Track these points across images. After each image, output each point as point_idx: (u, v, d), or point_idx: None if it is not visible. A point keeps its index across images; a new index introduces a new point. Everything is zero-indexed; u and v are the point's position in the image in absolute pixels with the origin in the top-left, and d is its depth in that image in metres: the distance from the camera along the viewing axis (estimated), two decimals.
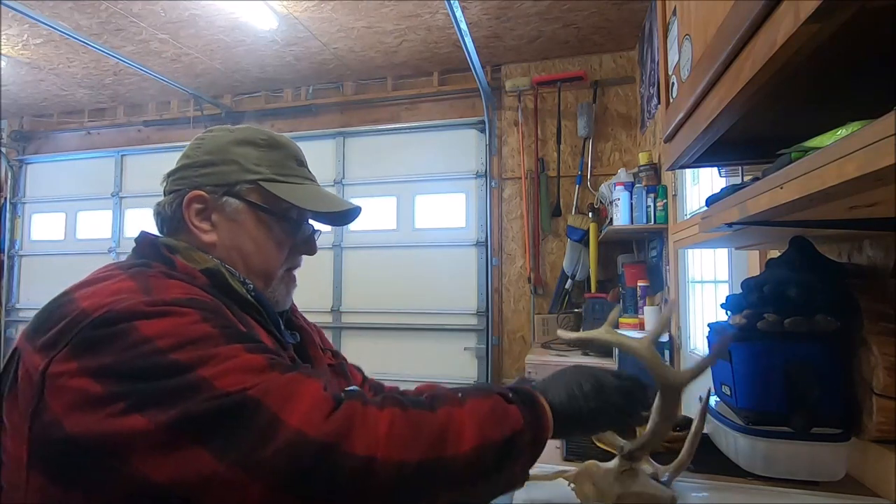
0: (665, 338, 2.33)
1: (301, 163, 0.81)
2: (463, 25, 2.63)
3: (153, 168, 4.22)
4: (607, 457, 0.75)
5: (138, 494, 0.50)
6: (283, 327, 0.78)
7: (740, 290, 1.04)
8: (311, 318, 0.92)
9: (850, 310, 0.88)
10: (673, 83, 0.85)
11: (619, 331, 0.73)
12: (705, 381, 0.95)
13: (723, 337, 0.64)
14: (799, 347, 0.88)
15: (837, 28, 0.43)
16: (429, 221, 3.73)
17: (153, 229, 0.77)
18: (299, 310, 0.90)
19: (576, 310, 3.16)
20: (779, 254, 1.06)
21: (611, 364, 2.37)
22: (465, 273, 3.60)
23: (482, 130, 3.62)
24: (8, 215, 4.65)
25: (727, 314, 1.04)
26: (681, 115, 0.79)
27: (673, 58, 0.84)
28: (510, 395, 0.60)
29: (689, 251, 2.25)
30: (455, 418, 0.55)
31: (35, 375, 0.54)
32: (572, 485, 0.74)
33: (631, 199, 2.58)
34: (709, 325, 1.07)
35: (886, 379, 0.82)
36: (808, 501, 0.80)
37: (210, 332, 0.56)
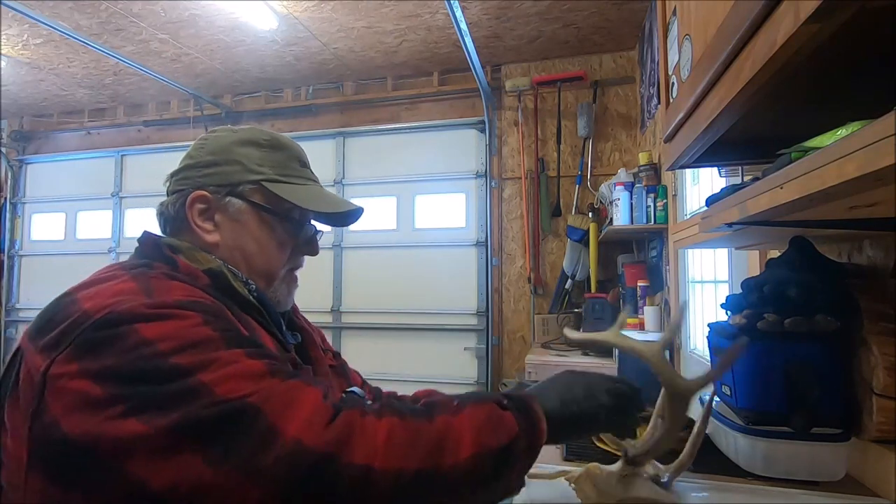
0: None
1: (304, 164, 0.81)
2: (463, 25, 2.63)
3: (153, 168, 4.23)
4: (607, 458, 0.75)
5: (137, 497, 0.49)
6: (284, 328, 0.78)
7: (740, 290, 1.04)
8: (310, 318, 0.93)
9: (850, 310, 0.88)
10: (673, 83, 0.85)
11: (626, 333, 0.72)
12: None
13: (733, 346, 0.63)
14: (799, 347, 0.88)
15: (837, 28, 0.43)
16: (429, 221, 3.73)
17: (153, 229, 0.77)
18: (299, 310, 0.90)
19: (576, 310, 3.16)
20: (779, 254, 1.06)
21: (611, 364, 2.37)
22: (465, 273, 3.60)
23: (482, 130, 3.62)
24: (8, 215, 4.65)
25: (727, 314, 1.04)
26: (681, 115, 0.79)
27: (673, 58, 0.84)
28: (505, 401, 0.60)
29: (689, 251, 2.25)
30: (453, 427, 0.55)
31: (36, 376, 0.54)
32: (573, 485, 0.74)
33: (631, 199, 2.58)
34: (709, 325, 1.07)
35: (886, 379, 0.82)
36: (808, 501, 0.80)
37: (211, 335, 0.56)
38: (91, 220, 4.48)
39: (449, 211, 3.69)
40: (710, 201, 0.88)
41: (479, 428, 0.56)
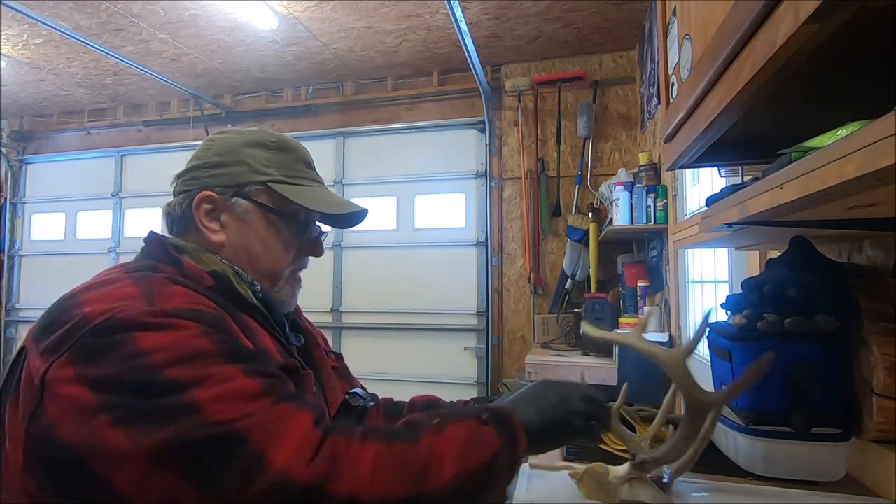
0: (665, 338, 2.33)
1: (309, 165, 0.82)
2: (463, 25, 2.63)
3: (153, 168, 4.23)
4: (607, 458, 0.75)
5: None
6: (288, 329, 0.78)
7: (740, 290, 1.04)
8: (310, 318, 0.93)
9: (850, 310, 0.88)
10: (673, 83, 0.85)
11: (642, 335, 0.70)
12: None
13: (758, 361, 0.61)
14: (799, 347, 0.88)
15: (837, 28, 0.43)
16: (429, 221, 3.73)
17: (155, 229, 0.77)
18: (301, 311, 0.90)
19: (576, 310, 3.16)
20: (779, 254, 1.06)
21: (611, 364, 2.38)
22: (465, 273, 3.60)
23: (482, 130, 3.62)
24: (8, 215, 4.65)
25: (727, 314, 1.04)
26: (681, 115, 0.79)
27: (673, 58, 0.84)
28: (484, 416, 0.61)
29: (689, 251, 2.25)
30: (435, 450, 0.56)
31: (36, 379, 0.54)
32: (576, 480, 0.74)
33: (631, 199, 2.58)
34: (709, 324, 1.07)
35: (886, 379, 0.82)
36: (808, 501, 0.80)
37: (208, 348, 0.56)
38: (91, 220, 4.47)
39: (449, 211, 3.69)
40: (710, 201, 0.88)
41: (462, 447, 0.57)
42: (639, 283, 2.61)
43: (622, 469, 0.72)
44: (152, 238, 0.73)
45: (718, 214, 0.83)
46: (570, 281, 3.26)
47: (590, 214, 3.04)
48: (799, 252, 0.96)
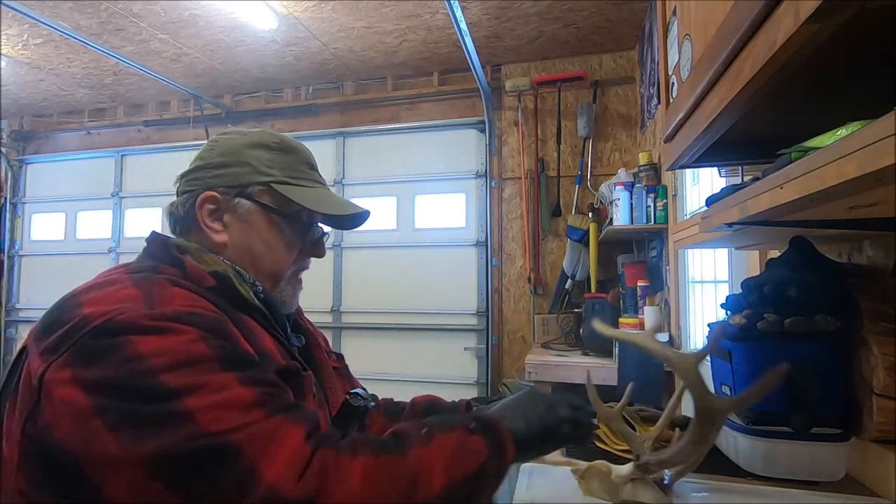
0: (665, 338, 2.33)
1: (312, 167, 0.82)
2: (463, 25, 2.63)
3: (153, 168, 4.22)
4: (607, 458, 0.75)
5: None
6: (289, 330, 0.78)
7: (740, 290, 1.04)
8: (310, 318, 0.93)
9: (850, 310, 0.88)
10: (673, 83, 0.85)
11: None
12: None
13: (773, 371, 0.59)
14: (799, 347, 0.88)
15: (837, 28, 0.43)
16: (429, 221, 3.73)
17: (155, 229, 0.77)
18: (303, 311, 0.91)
19: (576, 310, 3.16)
20: (779, 254, 1.06)
21: (611, 364, 2.38)
22: (465, 273, 3.60)
23: (482, 130, 3.62)
24: (8, 215, 4.64)
25: (727, 314, 1.04)
26: (681, 115, 0.79)
27: (673, 58, 0.84)
28: (472, 424, 0.61)
29: (689, 251, 2.25)
30: (424, 462, 0.56)
31: (34, 379, 0.54)
32: (578, 477, 0.74)
33: (631, 199, 2.58)
34: (709, 325, 1.07)
35: (886, 379, 0.82)
36: (808, 501, 0.80)
37: (206, 353, 0.56)
38: (91, 220, 4.47)
39: (449, 211, 3.69)
40: (710, 201, 0.88)
41: (450, 458, 0.57)
42: (639, 283, 2.61)
43: (625, 468, 0.72)
44: (155, 238, 0.73)
45: (718, 214, 0.83)
46: (570, 281, 3.26)
47: (590, 214, 3.04)
48: (799, 252, 0.96)
